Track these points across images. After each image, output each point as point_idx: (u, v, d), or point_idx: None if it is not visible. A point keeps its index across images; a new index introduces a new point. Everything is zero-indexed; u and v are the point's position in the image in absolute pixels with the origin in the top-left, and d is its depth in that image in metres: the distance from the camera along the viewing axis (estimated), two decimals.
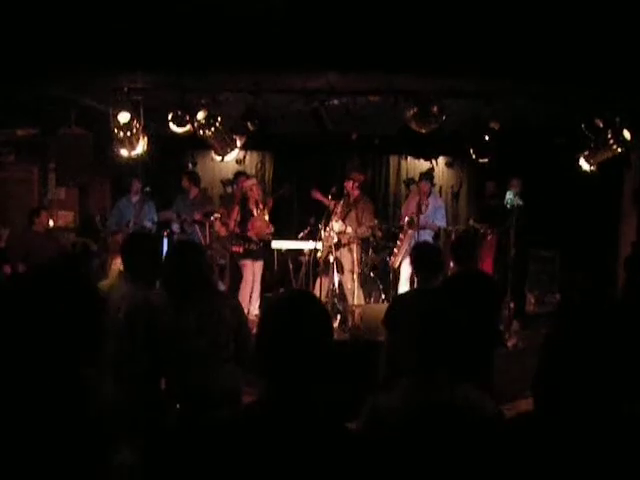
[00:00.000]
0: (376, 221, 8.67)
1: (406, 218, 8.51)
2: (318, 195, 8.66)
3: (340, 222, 8.31)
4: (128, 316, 3.61)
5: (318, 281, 8.45)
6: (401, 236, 8.65)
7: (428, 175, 8.97)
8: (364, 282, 8.71)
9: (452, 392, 2.59)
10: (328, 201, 8.38)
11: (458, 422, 2.46)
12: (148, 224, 8.69)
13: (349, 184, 8.44)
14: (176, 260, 3.74)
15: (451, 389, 2.60)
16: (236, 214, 8.52)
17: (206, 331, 3.64)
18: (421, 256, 4.88)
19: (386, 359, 4.43)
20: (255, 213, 8.63)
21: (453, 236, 8.23)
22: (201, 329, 3.64)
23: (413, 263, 5.01)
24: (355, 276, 8.43)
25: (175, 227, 8.84)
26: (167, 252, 4.03)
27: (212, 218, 8.40)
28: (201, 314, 3.67)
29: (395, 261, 8.69)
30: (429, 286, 4.61)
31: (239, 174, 9.42)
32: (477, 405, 2.57)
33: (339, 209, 8.32)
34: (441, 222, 8.73)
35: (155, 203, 9.11)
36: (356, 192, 8.48)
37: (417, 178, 9.12)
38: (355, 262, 8.49)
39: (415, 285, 5.27)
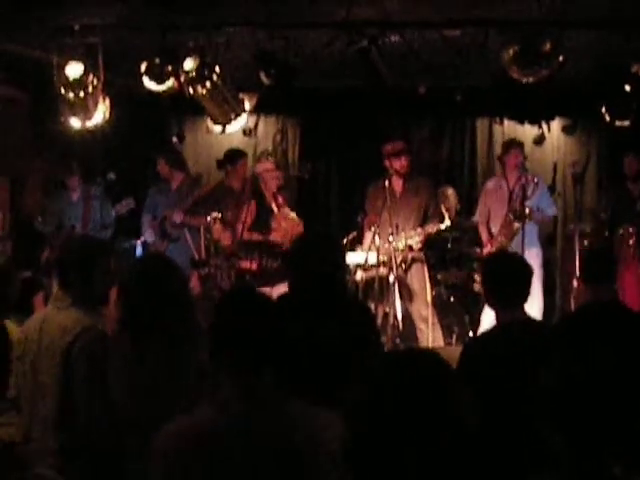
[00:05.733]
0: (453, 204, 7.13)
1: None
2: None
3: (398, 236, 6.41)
4: (90, 358, 3.12)
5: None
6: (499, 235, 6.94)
7: (517, 143, 7.14)
8: (441, 311, 6.84)
9: None
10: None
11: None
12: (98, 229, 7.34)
13: (397, 163, 6.51)
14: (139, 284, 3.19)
15: None
16: (248, 213, 6.86)
17: (161, 391, 3.00)
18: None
19: None
20: (276, 210, 6.99)
21: (576, 242, 6.68)
22: (155, 387, 3.00)
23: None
24: (429, 301, 6.52)
25: (148, 234, 7.39)
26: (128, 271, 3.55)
27: (209, 219, 6.87)
28: (158, 364, 3.05)
29: None
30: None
31: (236, 154, 7.42)
32: None
33: (381, 215, 6.35)
34: (552, 209, 7.22)
35: (118, 198, 7.59)
36: (403, 172, 6.58)
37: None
38: (426, 280, 6.57)
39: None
